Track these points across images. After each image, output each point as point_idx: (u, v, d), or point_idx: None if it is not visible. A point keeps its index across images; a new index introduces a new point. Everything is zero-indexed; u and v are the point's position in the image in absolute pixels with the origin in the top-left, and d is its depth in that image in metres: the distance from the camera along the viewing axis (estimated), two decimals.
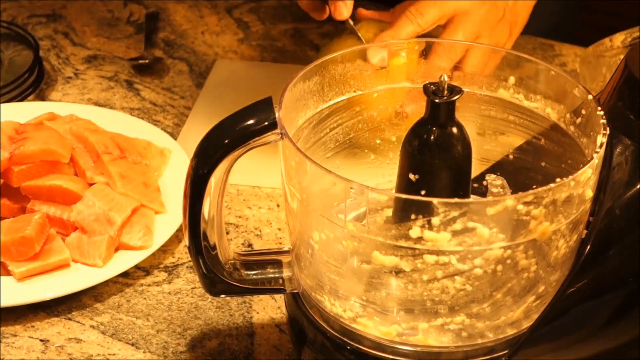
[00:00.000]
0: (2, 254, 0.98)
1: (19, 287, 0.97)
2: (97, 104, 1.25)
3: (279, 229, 1.07)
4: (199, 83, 1.28)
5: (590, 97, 0.80)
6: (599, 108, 0.78)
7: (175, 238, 1.05)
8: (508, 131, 0.88)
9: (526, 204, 0.72)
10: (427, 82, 0.80)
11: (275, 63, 1.32)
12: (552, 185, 0.73)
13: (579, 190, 0.74)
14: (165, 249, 1.04)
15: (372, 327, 0.79)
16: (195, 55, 1.34)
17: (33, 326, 0.96)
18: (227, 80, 1.26)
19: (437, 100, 0.79)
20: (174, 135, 1.18)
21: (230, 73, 1.27)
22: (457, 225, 0.72)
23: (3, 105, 1.18)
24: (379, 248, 0.75)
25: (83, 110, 1.18)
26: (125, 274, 1.01)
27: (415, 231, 0.73)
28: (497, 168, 0.90)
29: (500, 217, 0.73)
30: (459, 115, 0.80)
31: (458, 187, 0.81)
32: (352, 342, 0.80)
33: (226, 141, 0.80)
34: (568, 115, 0.82)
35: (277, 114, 0.79)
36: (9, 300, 0.95)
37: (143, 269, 1.02)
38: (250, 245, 1.05)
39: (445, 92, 0.79)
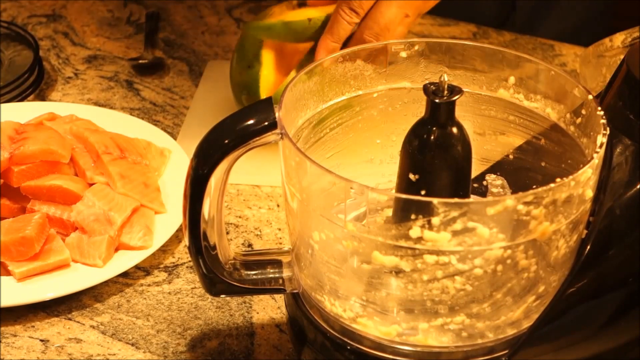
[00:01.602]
0: (2, 254, 0.98)
1: (19, 287, 0.97)
2: (97, 104, 1.25)
3: (279, 229, 1.07)
4: (199, 83, 1.28)
5: (590, 97, 0.80)
6: (599, 108, 0.78)
7: (175, 238, 1.05)
8: (508, 131, 0.88)
9: (526, 204, 0.72)
10: (427, 82, 0.80)
11: None
12: (552, 185, 0.73)
13: (579, 190, 0.74)
14: (165, 249, 1.04)
15: (372, 327, 0.79)
16: (195, 55, 1.34)
17: (33, 326, 0.96)
18: (221, 79, 1.26)
19: (437, 100, 0.79)
20: (174, 135, 1.18)
21: (224, 72, 1.27)
22: (457, 225, 0.72)
23: (3, 105, 1.18)
24: (379, 248, 0.75)
25: (83, 110, 1.18)
26: (125, 274, 1.01)
27: (415, 231, 0.73)
28: (497, 168, 0.90)
29: (500, 217, 0.73)
30: (459, 115, 0.80)
31: (458, 187, 0.81)
32: (352, 342, 0.80)
33: (226, 141, 0.80)
34: (568, 115, 0.82)
35: (277, 114, 0.79)
36: (9, 300, 0.95)
37: (143, 269, 1.02)
38: (250, 245, 1.05)
39: (445, 92, 0.79)
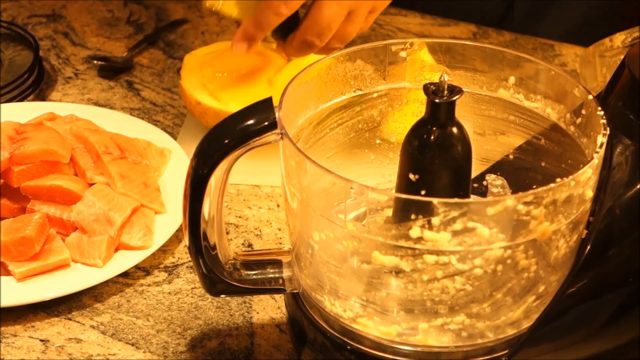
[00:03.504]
0: (2, 254, 0.98)
1: (19, 287, 0.97)
2: (97, 104, 1.25)
3: (279, 229, 1.07)
4: None
5: (590, 97, 0.80)
6: (599, 108, 0.78)
7: (175, 238, 1.05)
8: (508, 131, 0.88)
9: (526, 204, 0.72)
10: (427, 82, 0.80)
11: None
12: (552, 185, 0.73)
13: (579, 190, 0.74)
14: (165, 249, 1.04)
15: (372, 327, 0.79)
16: None
17: (33, 326, 0.96)
18: None
19: (437, 100, 0.79)
20: (174, 135, 1.18)
21: None
22: (457, 225, 0.72)
23: (3, 105, 1.18)
24: (379, 248, 0.75)
25: (83, 110, 1.18)
26: (125, 274, 1.01)
27: (415, 231, 0.73)
28: (497, 168, 0.90)
29: (500, 217, 0.73)
30: (459, 115, 0.80)
31: (458, 187, 0.81)
32: (352, 342, 0.80)
33: (226, 141, 0.80)
34: (568, 115, 0.82)
35: (277, 114, 0.79)
36: (9, 300, 0.95)
37: (143, 269, 1.02)
38: (250, 245, 1.05)
39: (445, 92, 0.79)
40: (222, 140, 0.80)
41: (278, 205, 1.10)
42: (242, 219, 1.08)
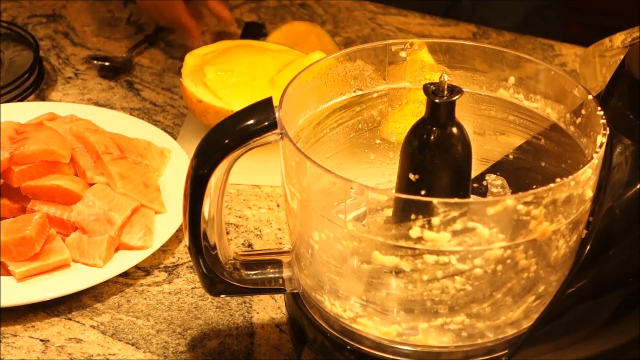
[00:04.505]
0: (2, 254, 0.98)
1: (19, 287, 0.97)
2: (97, 104, 1.25)
3: (279, 229, 1.07)
4: None
5: (590, 97, 0.80)
6: (599, 108, 0.78)
7: (175, 238, 1.05)
8: (508, 131, 0.88)
9: (526, 204, 0.72)
10: (427, 82, 0.80)
11: None
12: (552, 185, 0.73)
13: (579, 190, 0.74)
14: (165, 249, 1.04)
15: (372, 327, 0.79)
16: None
17: (33, 326, 0.96)
18: None
19: (437, 100, 0.79)
20: (174, 135, 1.18)
21: None
22: (457, 225, 0.72)
23: (3, 105, 1.18)
24: (379, 248, 0.75)
25: (83, 110, 1.18)
26: (125, 274, 1.01)
27: (415, 231, 0.73)
28: (497, 168, 0.90)
29: (500, 217, 0.73)
30: (459, 115, 0.80)
31: (458, 187, 0.81)
32: (352, 342, 0.80)
33: (226, 141, 0.80)
34: (568, 115, 0.82)
35: (277, 114, 0.79)
36: (9, 300, 0.95)
37: (143, 269, 1.02)
38: (250, 245, 1.05)
39: (445, 92, 0.79)
40: (222, 140, 0.80)
41: (278, 205, 1.10)
42: (242, 219, 1.08)
